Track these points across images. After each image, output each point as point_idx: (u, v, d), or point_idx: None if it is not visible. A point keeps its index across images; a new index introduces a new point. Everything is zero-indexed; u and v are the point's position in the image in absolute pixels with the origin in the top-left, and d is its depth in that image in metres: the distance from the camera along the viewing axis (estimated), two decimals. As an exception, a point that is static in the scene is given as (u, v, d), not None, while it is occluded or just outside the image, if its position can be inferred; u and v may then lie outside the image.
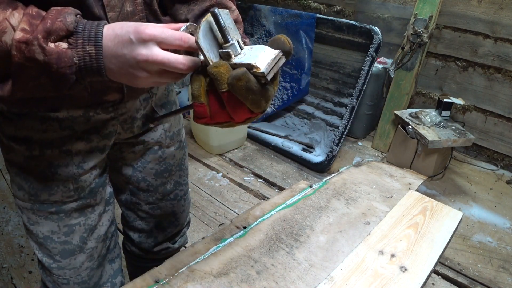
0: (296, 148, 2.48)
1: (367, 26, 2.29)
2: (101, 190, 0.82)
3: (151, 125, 0.69)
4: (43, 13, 0.52)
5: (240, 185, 2.21)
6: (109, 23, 0.63)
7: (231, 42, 0.53)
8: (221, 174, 2.30)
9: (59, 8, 0.53)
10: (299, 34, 2.57)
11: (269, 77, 0.52)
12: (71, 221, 0.78)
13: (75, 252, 0.80)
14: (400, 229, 0.85)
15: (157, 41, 0.52)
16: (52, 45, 0.50)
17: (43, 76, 0.52)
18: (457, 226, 0.90)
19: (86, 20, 0.54)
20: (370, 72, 2.28)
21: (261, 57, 0.52)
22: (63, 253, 0.80)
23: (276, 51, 0.53)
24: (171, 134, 0.93)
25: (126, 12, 0.65)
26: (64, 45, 0.51)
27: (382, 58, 2.60)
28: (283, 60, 0.54)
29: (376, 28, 2.26)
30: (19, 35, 0.50)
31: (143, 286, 0.69)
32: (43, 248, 0.80)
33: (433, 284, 1.56)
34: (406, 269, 0.74)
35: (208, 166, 2.39)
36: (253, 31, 2.86)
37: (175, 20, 0.76)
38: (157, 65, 0.53)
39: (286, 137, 2.61)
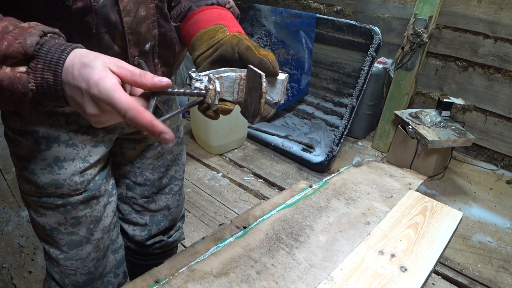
0: (296, 148, 2.48)
1: (367, 26, 2.29)
2: (105, 182, 0.84)
3: None
4: (10, 28, 0.48)
5: (240, 185, 2.21)
6: (124, 28, 0.65)
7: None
8: (221, 174, 2.30)
9: (25, 25, 0.49)
10: (299, 34, 2.57)
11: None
12: (77, 213, 0.79)
13: (82, 243, 0.82)
14: (400, 229, 0.85)
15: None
16: (7, 69, 0.47)
17: None
18: (457, 226, 0.90)
19: (55, 41, 0.49)
20: (370, 72, 2.28)
21: (278, 89, 0.63)
22: (70, 244, 0.81)
23: (284, 76, 0.62)
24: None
25: (140, 17, 0.67)
26: (22, 69, 0.47)
27: (382, 58, 2.60)
28: (287, 78, 0.64)
29: (376, 28, 2.27)
30: None
31: (143, 286, 0.69)
32: (50, 239, 0.81)
33: (433, 284, 1.56)
34: (406, 269, 0.74)
35: (208, 166, 2.38)
36: (253, 31, 2.86)
37: None
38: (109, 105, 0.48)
39: (286, 137, 2.61)
